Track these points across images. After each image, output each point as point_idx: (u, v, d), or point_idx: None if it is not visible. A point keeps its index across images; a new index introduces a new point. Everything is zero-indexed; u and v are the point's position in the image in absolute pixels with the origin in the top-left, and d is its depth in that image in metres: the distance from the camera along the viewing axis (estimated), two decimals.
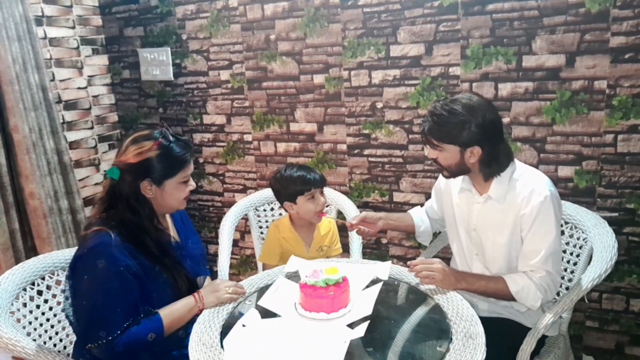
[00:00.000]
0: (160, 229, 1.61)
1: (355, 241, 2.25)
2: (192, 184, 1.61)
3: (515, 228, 1.66)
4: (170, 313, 1.51)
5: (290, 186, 2.03)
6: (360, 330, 1.37)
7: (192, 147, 1.61)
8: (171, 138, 1.53)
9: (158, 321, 1.48)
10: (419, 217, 2.02)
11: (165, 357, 1.55)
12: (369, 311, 1.46)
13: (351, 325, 1.40)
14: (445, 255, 2.54)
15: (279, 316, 1.48)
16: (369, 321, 1.41)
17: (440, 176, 1.93)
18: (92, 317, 1.43)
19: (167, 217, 1.72)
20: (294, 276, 1.72)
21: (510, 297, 1.63)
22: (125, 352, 1.42)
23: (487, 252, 1.74)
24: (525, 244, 1.64)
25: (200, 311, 1.54)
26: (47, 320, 1.70)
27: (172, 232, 1.71)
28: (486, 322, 1.45)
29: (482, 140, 1.60)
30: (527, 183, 1.64)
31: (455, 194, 1.82)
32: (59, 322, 1.74)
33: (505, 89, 2.24)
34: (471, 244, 1.79)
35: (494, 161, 1.64)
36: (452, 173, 1.71)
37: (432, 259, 1.67)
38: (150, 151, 1.49)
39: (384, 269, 1.71)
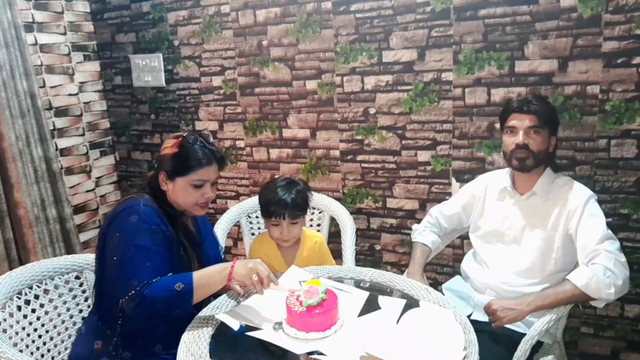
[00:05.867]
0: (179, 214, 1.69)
1: (348, 248, 2.22)
2: (207, 193, 1.64)
3: (555, 224, 1.73)
4: (202, 273, 1.51)
5: (261, 198, 1.90)
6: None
7: (217, 157, 1.66)
8: (197, 142, 1.62)
9: (188, 275, 1.48)
10: (431, 241, 2.02)
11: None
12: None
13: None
14: (440, 262, 2.53)
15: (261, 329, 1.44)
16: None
17: (473, 184, 2.02)
18: (123, 268, 1.47)
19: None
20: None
21: (583, 296, 1.60)
22: (153, 298, 1.42)
23: (522, 249, 1.80)
24: (578, 238, 1.68)
25: (229, 281, 1.51)
26: (35, 330, 1.67)
27: (192, 228, 1.76)
28: (479, 328, 1.44)
29: (556, 132, 1.80)
30: (568, 184, 1.77)
31: (494, 198, 1.90)
32: (47, 332, 1.71)
33: (498, 94, 2.23)
34: (505, 246, 1.85)
35: (555, 156, 1.85)
36: (537, 161, 1.75)
37: (489, 303, 1.68)
38: (171, 147, 1.63)
39: (298, 275, 1.67)
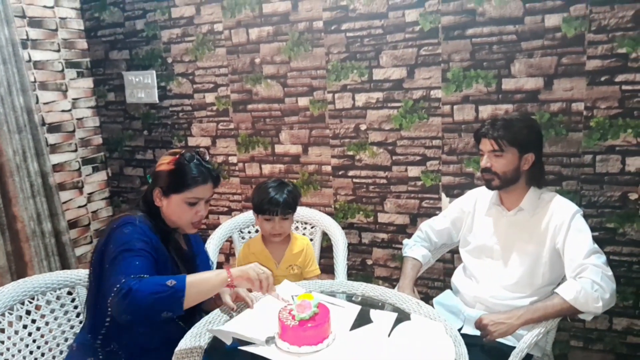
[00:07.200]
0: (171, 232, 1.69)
1: (340, 262, 2.24)
2: (201, 210, 1.65)
3: (542, 239, 1.75)
4: (196, 275, 1.48)
5: (255, 198, 2.04)
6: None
7: (213, 176, 1.66)
8: (193, 159, 1.62)
9: (181, 276, 1.44)
10: (422, 256, 2.04)
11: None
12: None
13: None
14: (431, 276, 2.55)
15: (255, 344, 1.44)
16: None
17: (462, 200, 2.04)
18: (112, 269, 1.45)
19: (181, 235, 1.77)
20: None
21: (571, 309, 1.62)
22: (142, 291, 1.35)
23: (510, 263, 1.82)
24: (565, 253, 1.70)
25: (229, 286, 1.51)
26: (27, 346, 1.66)
27: (184, 245, 1.77)
28: (470, 342, 1.45)
29: (536, 148, 1.78)
30: (554, 199, 1.79)
31: (482, 214, 1.93)
32: (39, 348, 1.70)
33: (485, 111, 2.28)
34: (493, 261, 1.87)
35: (540, 171, 1.82)
36: (504, 181, 1.78)
37: (480, 317, 1.70)
38: (168, 164, 1.63)
39: (291, 289, 1.69)
